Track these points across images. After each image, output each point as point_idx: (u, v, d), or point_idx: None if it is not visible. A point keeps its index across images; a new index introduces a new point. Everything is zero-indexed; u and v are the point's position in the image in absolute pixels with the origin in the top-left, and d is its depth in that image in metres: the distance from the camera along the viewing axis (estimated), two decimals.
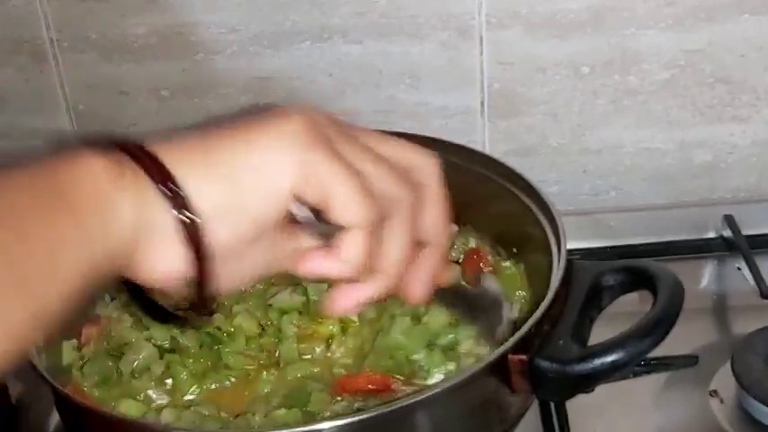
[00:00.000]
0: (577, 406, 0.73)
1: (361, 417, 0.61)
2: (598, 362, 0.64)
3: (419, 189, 0.51)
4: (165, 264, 0.47)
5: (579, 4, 0.95)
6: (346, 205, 0.48)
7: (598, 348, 0.65)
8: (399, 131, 0.87)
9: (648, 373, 0.81)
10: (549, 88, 0.99)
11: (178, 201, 0.46)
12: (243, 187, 0.47)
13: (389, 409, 0.61)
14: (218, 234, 0.47)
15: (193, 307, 0.48)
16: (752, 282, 0.90)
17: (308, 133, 0.47)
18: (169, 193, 0.46)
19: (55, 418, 0.80)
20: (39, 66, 0.99)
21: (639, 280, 0.71)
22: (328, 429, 0.60)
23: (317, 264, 0.50)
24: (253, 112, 0.49)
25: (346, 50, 0.98)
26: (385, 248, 0.49)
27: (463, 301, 0.68)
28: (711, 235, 1.00)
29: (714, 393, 0.81)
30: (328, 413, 0.68)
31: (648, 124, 1.01)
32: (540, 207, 0.78)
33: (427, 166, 0.51)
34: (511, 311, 0.72)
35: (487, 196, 0.84)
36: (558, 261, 0.71)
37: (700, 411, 0.80)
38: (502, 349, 0.64)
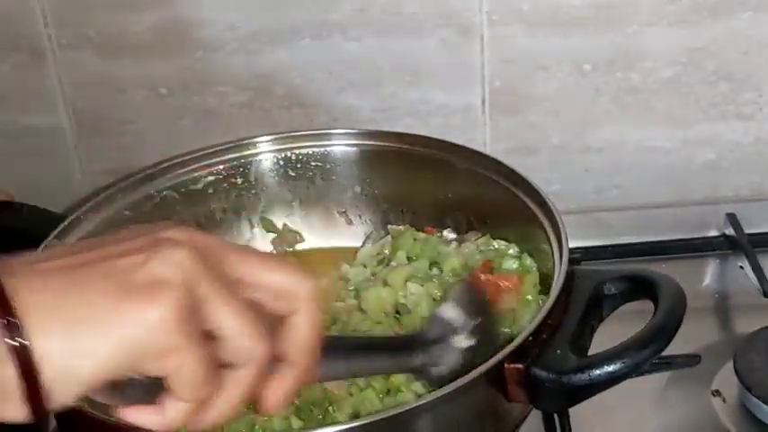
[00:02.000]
0: (579, 405, 0.72)
1: (352, 425, 0.61)
2: (595, 373, 0.63)
3: (292, 311, 0.51)
4: (6, 416, 0.46)
5: (581, 0, 0.94)
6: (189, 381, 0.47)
7: (596, 359, 0.65)
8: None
9: (650, 372, 0.81)
10: (551, 86, 0.99)
11: (27, 365, 0.44)
12: (99, 353, 0.45)
13: (383, 417, 0.61)
14: (62, 392, 0.46)
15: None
16: (754, 280, 0.90)
17: (179, 310, 0.46)
18: (19, 358, 0.44)
19: (53, 420, 0.80)
20: (36, 63, 0.98)
21: (641, 289, 0.70)
22: None
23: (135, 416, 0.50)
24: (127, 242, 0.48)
25: (346, 48, 0.97)
26: (224, 393, 0.49)
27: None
28: (714, 233, 1.00)
29: (716, 393, 0.81)
30: None
31: (651, 122, 1.00)
32: (544, 212, 0.77)
33: (302, 291, 0.51)
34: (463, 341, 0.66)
35: (488, 198, 0.83)
36: (560, 268, 0.71)
37: (702, 411, 0.80)
38: (498, 358, 0.64)
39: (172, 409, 0.48)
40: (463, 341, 0.65)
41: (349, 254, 0.89)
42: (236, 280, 0.49)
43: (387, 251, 0.86)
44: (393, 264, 0.83)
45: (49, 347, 0.44)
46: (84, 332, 0.45)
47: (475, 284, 0.75)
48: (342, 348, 0.60)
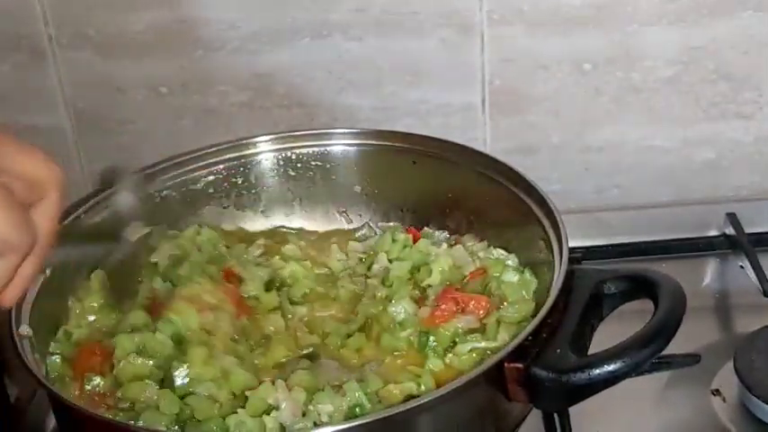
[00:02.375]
0: (579, 404, 0.72)
1: (352, 424, 0.61)
2: (595, 372, 0.63)
3: (40, 198, 0.51)
4: None
5: (581, 0, 0.94)
6: None
7: (596, 358, 0.64)
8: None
9: (651, 371, 0.81)
10: (551, 85, 0.99)
11: None
12: None
13: (383, 416, 0.61)
14: None
15: None
16: (754, 280, 0.90)
17: None
18: None
19: (52, 420, 0.80)
20: (36, 63, 0.98)
21: (641, 288, 0.70)
22: None
23: None
24: None
25: (346, 47, 0.97)
26: None
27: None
28: (714, 233, 1.00)
29: (716, 392, 0.81)
30: None
31: (651, 121, 1.00)
32: (544, 211, 0.77)
33: (53, 178, 0.52)
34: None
35: (488, 197, 0.83)
36: (560, 267, 0.71)
37: (702, 410, 0.80)
38: (498, 357, 0.64)
39: None
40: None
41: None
42: None
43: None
44: (375, 265, 0.84)
45: None
46: None
47: None
48: None
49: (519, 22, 0.96)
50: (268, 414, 0.67)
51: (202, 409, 0.68)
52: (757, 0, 0.95)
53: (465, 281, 0.80)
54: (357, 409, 0.68)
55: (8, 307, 0.57)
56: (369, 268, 0.84)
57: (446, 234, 0.87)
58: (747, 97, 0.99)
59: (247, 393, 0.69)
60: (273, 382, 0.69)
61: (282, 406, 0.67)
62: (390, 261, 0.84)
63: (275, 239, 0.88)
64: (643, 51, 0.97)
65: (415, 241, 0.85)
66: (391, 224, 0.89)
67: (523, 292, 0.77)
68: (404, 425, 0.63)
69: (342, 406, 0.68)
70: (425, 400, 0.62)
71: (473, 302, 0.76)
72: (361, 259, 0.87)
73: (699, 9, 0.95)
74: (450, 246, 0.84)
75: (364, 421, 0.61)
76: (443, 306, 0.76)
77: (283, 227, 0.90)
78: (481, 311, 0.75)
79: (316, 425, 0.67)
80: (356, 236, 0.90)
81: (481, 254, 0.83)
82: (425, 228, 0.88)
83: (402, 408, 0.61)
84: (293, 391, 0.69)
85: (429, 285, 0.80)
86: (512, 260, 0.81)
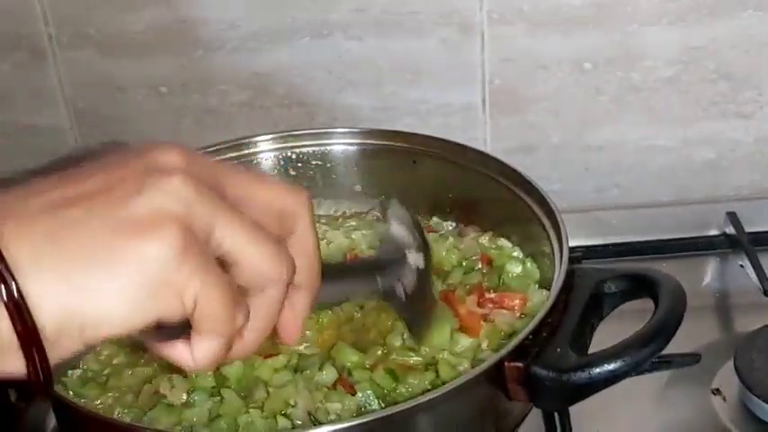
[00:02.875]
0: (579, 404, 0.72)
1: (352, 423, 0.61)
2: (596, 371, 0.63)
3: (291, 231, 0.48)
4: (4, 370, 0.42)
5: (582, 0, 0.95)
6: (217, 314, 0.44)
7: (596, 357, 0.64)
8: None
9: (651, 371, 0.81)
10: (551, 85, 0.99)
11: (20, 314, 0.40)
12: (104, 295, 0.41)
13: (383, 415, 0.61)
14: (62, 345, 0.42)
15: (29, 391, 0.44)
16: (755, 279, 0.90)
17: (181, 237, 0.42)
18: (12, 307, 0.40)
19: (53, 419, 0.80)
20: (37, 62, 0.98)
21: (641, 287, 0.70)
22: None
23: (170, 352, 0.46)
24: (109, 163, 0.44)
25: (346, 47, 0.97)
26: (252, 323, 0.46)
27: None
28: (714, 232, 1.00)
29: (717, 392, 0.81)
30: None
31: (651, 121, 1.00)
32: (544, 210, 0.77)
33: (299, 205, 0.49)
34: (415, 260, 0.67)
35: (489, 197, 0.83)
36: (560, 267, 0.71)
37: (702, 410, 0.79)
38: (498, 356, 0.64)
39: (202, 347, 0.45)
40: (414, 257, 0.66)
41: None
42: (237, 200, 0.45)
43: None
44: None
45: (46, 293, 0.41)
46: (83, 273, 0.41)
47: (401, 203, 0.73)
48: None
49: (519, 22, 0.96)
50: (282, 413, 0.68)
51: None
52: (757, 0, 0.95)
53: (481, 272, 0.80)
54: (367, 408, 0.68)
55: (292, 344, 0.55)
56: None
57: (453, 224, 0.87)
58: (747, 97, 0.99)
59: (271, 390, 0.69)
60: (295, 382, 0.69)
61: (298, 404, 0.68)
62: None
63: None
64: (643, 51, 0.97)
65: None
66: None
67: (530, 282, 0.77)
68: (404, 424, 0.63)
69: (351, 405, 0.68)
70: (425, 400, 0.62)
71: (507, 300, 0.76)
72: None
73: (699, 9, 0.95)
74: (458, 238, 0.85)
75: (364, 420, 0.61)
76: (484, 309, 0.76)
77: None
78: (516, 307, 0.75)
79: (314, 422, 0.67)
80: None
81: (486, 244, 0.83)
82: (433, 218, 0.88)
83: (402, 407, 0.61)
84: (313, 392, 0.69)
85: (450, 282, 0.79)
86: (517, 251, 0.81)
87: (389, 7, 0.95)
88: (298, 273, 0.47)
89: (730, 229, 0.97)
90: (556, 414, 0.78)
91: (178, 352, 0.46)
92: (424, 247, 0.68)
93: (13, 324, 0.40)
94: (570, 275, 0.71)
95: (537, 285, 0.77)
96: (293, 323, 0.50)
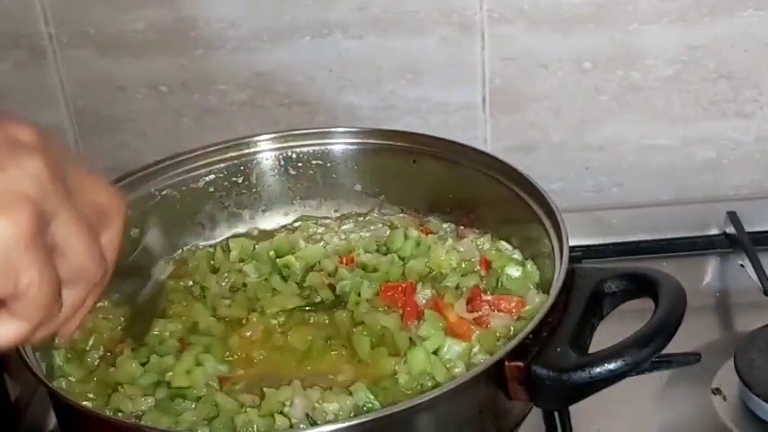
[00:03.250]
0: (579, 403, 0.72)
1: (351, 423, 0.61)
2: (596, 371, 0.63)
3: (103, 230, 0.50)
4: None
5: None
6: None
7: (596, 357, 0.64)
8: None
9: (651, 370, 0.81)
10: (552, 84, 0.99)
11: None
12: None
13: (383, 414, 0.61)
14: None
15: None
16: (755, 279, 0.90)
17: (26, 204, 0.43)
18: None
19: (53, 418, 0.80)
20: (37, 61, 0.98)
21: (641, 287, 0.70)
22: None
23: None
24: None
25: (346, 46, 0.97)
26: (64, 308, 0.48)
27: None
28: (714, 232, 0.99)
29: (717, 391, 0.81)
30: None
31: (651, 120, 1.00)
32: (544, 210, 0.77)
33: (117, 209, 0.51)
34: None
35: (489, 196, 0.83)
36: (560, 266, 0.71)
37: (702, 409, 0.79)
38: (498, 355, 0.64)
39: (10, 327, 0.45)
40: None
41: None
42: (72, 191, 0.46)
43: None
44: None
45: None
46: None
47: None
48: None
49: (519, 21, 0.96)
50: (280, 412, 0.68)
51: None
52: None
53: (479, 274, 0.80)
54: (365, 409, 0.68)
55: (67, 338, 0.56)
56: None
57: (452, 226, 0.87)
58: (748, 96, 0.99)
59: (266, 391, 0.69)
60: (290, 383, 0.70)
61: (296, 403, 0.68)
62: (402, 259, 0.83)
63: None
64: (643, 50, 0.97)
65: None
66: (402, 216, 0.89)
67: (529, 285, 0.77)
68: (404, 423, 0.63)
69: (347, 405, 0.68)
70: (426, 399, 0.62)
71: (503, 303, 0.76)
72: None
73: (699, 8, 0.95)
74: (457, 239, 0.85)
75: (364, 419, 0.61)
76: (479, 312, 0.76)
77: (305, 216, 0.91)
78: (513, 310, 0.75)
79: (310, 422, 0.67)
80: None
81: (486, 247, 0.83)
82: (431, 219, 0.88)
83: (402, 406, 0.61)
84: (309, 390, 0.69)
85: (447, 285, 0.79)
86: (516, 254, 0.81)
87: (389, 6, 0.95)
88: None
89: (730, 229, 0.97)
90: (556, 413, 0.78)
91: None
92: None
93: None
94: (570, 275, 0.71)
95: (536, 288, 0.77)
96: (76, 317, 0.50)
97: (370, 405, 0.68)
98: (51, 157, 0.45)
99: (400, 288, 0.78)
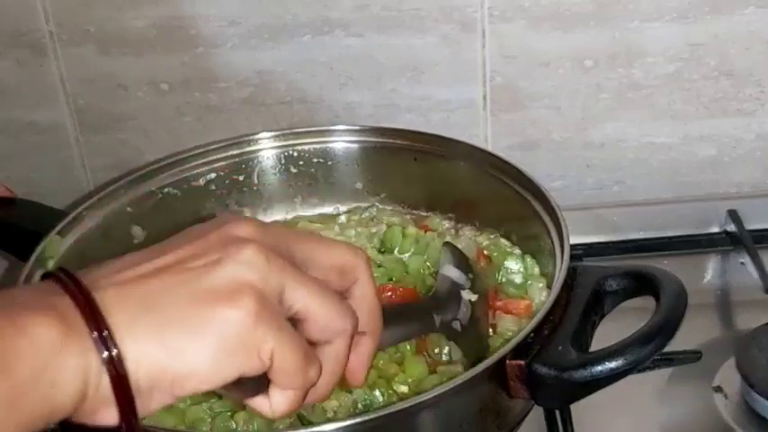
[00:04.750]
0: (581, 401, 0.72)
1: (355, 421, 0.61)
2: (597, 369, 0.63)
3: (352, 283, 0.54)
4: (98, 419, 0.47)
5: None
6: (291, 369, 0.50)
7: (597, 355, 0.64)
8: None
9: (652, 368, 0.81)
10: (553, 82, 0.98)
11: (119, 372, 0.46)
12: (191, 354, 0.47)
13: (385, 413, 0.61)
14: (154, 399, 0.47)
15: None
16: (756, 277, 0.90)
17: (258, 300, 0.48)
18: (112, 368, 0.46)
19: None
20: (37, 59, 0.98)
21: (643, 285, 0.70)
22: None
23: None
24: (191, 236, 0.50)
25: (347, 44, 0.97)
26: (324, 371, 0.52)
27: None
28: (715, 230, 0.99)
29: (718, 389, 0.81)
30: None
31: (652, 118, 1.00)
32: (545, 208, 0.77)
33: (358, 259, 0.55)
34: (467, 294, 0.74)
35: (490, 194, 0.83)
36: (561, 264, 0.71)
37: (704, 407, 0.79)
38: (500, 354, 0.64)
39: (279, 398, 0.51)
40: (468, 294, 0.74)
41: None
42: (303, 262, 0.52)
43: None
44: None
45: (141, 353, 0.46)
46: (173, 335, 0.47)
47: (456, 247, 0.80)
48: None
49: (520, 19, 0.96)
50: None
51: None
52: None
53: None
54: (363, 406, 0.68)
55: (360, 386, 0.60)
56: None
57: (452, 222, 0.87)
58: (749, 94, 0.99)
59: None
60: None
61: None
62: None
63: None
64: (644, 48, 0.97)
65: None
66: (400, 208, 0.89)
67: (530, 281, 0.77)
68: (405, 422, 0.63)
69: (347, 402, 0.68)
70: (427, 398, 0.62)
71: (512, 306, 0.77)
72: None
73: (700, 5, 0.95)
74: (455, 235, 0.84)
75: (365, 418, 0.61)
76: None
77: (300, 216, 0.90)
78: (522, 312, 0.76)
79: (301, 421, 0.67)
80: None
81: (485, 243, 0.83)
82: (430, 214, 0.87)
83: (404, 405, 0.61)
84: None
85: None
86: (517, 250, 0.81)
87: (390, 4, 0.95)
88: (360, 321, 0.53)
89: (731, 227, 0.97)
90: (557, 412, 0.78)
91: (258, 403, 0.51)
92: (477, 282, 0.76)
93: (112, 382, 0.46)
94: (571, 273, 0.71)
95: (539, 283, 0.77)
96: (359, 367, 0.55)
97: (368, 403, 0.68)
98: (265, 241, 0.50)
99: (399, 291, 0.78)
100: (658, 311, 0.66)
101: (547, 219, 0.77)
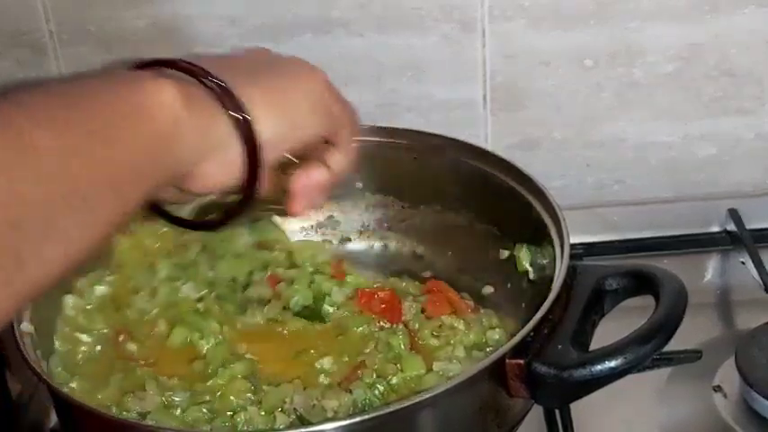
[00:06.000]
0: (580, 401, 0.72)
1: (354, 420, 0.61)
2: (597, 368, 0.63)
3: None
4: (221, 175, 0.57)
5: None
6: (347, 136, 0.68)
7: (597, 354, 0.64)
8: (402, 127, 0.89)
9: (652, 368, 0.81)
10: (553, 81, 0.98)
11: (245, 124, 0.57)
12: (294, 110, 0.61)
13: (385, 412, 0.61)
14: (271, 149, 0.58)
15: (234, 210, 0.61)
16: (756, 276, 0.90)
17: (326, 89, 0.65)
18: (239, 118, 0.56)
19: (54, 417, 0.80)
20: (38, 59, 0.98)
21: (642, 284, 0.70)
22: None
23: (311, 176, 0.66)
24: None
25: (348, 43, 0.97)
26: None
27: None
28: (715, 229, 1.00)
29: (718, 388, 0.81)
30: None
31: (652, 117, 1.00)
32: (545, 207, 0.77)
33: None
34: None
35: (490, 193, 0.83)
36: (561, 264, 0.71)
37: (703, 406, 0.80)
38: (499, 353, 0.64)
39: (340, 156, 0.66)
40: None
41: None
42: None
43: None
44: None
45: (263, 119, 0.58)
46: (280, 105, 0.60)
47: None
48: None
49: (520, 18, 0.96)
50: (281, 410, 0.68)
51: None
52: None
53: None
54: (363, 405, 0.69)
55: (298, 215, 0.69)
56: None
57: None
58: (749, 93, 0.99)
59: (266, 389, 0.70)
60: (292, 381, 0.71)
61: (295, 400, 0.69)
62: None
63: None
64: (644, 47, 0.97)
65: None
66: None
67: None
68: (405, 421, 0.63)
69: (346, 402, 0.68)
70: (426, 397, 0.62)
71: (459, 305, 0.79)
72: None
73: (700, 5, 0.95)
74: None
75: (365, 418, 0.61)
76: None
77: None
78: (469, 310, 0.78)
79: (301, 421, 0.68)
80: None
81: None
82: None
83: (403, 404, 0.61)
84: (309, 388, 0.70)
85: None
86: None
87: (390, 4, 0.95)
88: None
89: (731, 226, 0.97)
90: (557, 411, 0.78)
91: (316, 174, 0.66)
92: None
93: (247, 144, 0.57)
94: (571, 272, 0.71)
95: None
96: (306, 194, 0.67)
97: (367, 402, 0.68)
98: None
99: (377, 296, 0.79)
100: (658, 311, 0.66)
101: (547, 218, 0.77)
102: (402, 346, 0.74)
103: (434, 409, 0.63)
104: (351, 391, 0.69)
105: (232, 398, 0.70)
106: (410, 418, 0.63)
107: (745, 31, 0.96)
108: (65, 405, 0.68)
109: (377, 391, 0.70)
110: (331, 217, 0.91)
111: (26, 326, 0.71)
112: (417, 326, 0.77)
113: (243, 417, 0.68)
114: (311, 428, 0.61)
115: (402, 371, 0.72)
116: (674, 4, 0.95)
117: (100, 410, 0.67)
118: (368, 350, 0.75)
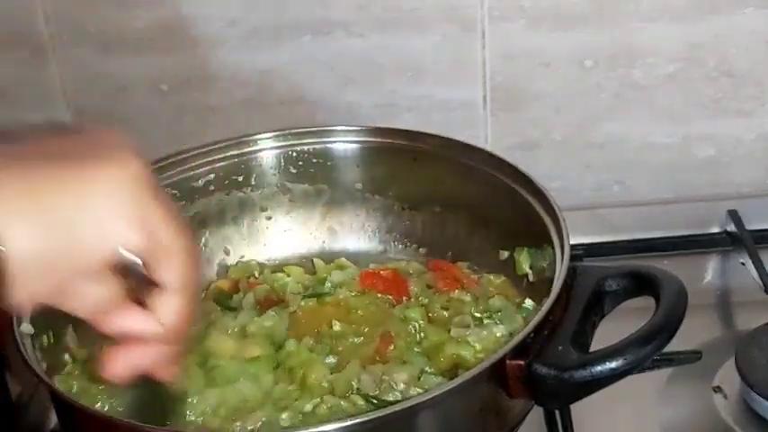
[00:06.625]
0: (581, 401, 0.72)
1: (353, 421, 0.61)
2: (597, 369, 0.63)
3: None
4: None
5: None
6: (180, 266, 0.50)
7: (598, 355, 0.64)
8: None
9: (652, 369, 0.81)
10: (553, 82, 0.98)
11: None
12: (66, 236, 0.47)
13: (384, 413, 0.61)
14: (28, 279, 0.46)
15: None
16: (756, 277, 0.90)
17: (137, 189, 0.49)
18: None
19: (54, 418, 0.80)
20: (37, 60, 0.98)
21: (642, 285, 0.70)
22: None
23: (132, 321, 0.52)
24: (66, 135, 0.51)
25: (347, 44, 0.97)
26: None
27: None
28: (715, 230, 0.99)
29: (718, 389, 0.81)
30: None
31: (652, 118, 1.00)
32: (545, 208, 0.77)
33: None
34: None
35: (489, 194, 0.83)
36: (561, 264, 0.71)
37: (703, 407, 0.80)
38: (500, 354, 0.64)
39: (170, 308, 0.51)
40: None
41: None
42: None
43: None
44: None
45: (17, 231, 0.45)
46: (54, 209, 0.47)
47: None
48: None
49: (520, 19, 0.96)
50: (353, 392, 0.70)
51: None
52: None
53: None
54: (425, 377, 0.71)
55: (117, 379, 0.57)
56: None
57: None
58: (749, 94, 0.99)
59: (332, 377, 0.71)
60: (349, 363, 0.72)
61: (362, 378, 0.70)
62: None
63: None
64: (644, 48, 0.97)
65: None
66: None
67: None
68: (405, 422, 0.63)
69: (412, 373, 0.70)
70: (427, 397, 0.62)
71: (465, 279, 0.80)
72: None
73: (700, 5, 0.95)
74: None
75: (365, 418, 0.61)
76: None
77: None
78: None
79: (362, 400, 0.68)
80: None
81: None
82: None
83: (403, 405, 0.61)
84: (368, 369, 0.71)
85: None
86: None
87: (390, 4, 0.95)
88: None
89: (731, 227, 0.97)
90: (557, 412, 0.78)
91: (137, 321, 0.51)
92: None
93: None
94: (571, 273, 0.71)
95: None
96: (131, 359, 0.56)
97: (429, 371, 0.70)
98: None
99: (380, 275, 0.80)
100: (658, 311, 0.66)
101: (547, 219, 0.77)
102: (420, 317, 0.76)
103: (435, 410, 0.63)
104: (404, 362, 0.71)
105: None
106: (410, 419, 0.63)
107: (745, 32, 0.96)
108: (65, 406, 0.68)
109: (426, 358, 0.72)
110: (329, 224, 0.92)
111: (26, 327, 0.71)
112: (427, 300, 0.79)
113: (324, 406, 0.69)
114: (311, 429, 0.61)
115: (426, 338, 0.74)
116: (674, 4, 0.95)
117: (100, 411, 0.67)
118: (388, 323, 0.76)
